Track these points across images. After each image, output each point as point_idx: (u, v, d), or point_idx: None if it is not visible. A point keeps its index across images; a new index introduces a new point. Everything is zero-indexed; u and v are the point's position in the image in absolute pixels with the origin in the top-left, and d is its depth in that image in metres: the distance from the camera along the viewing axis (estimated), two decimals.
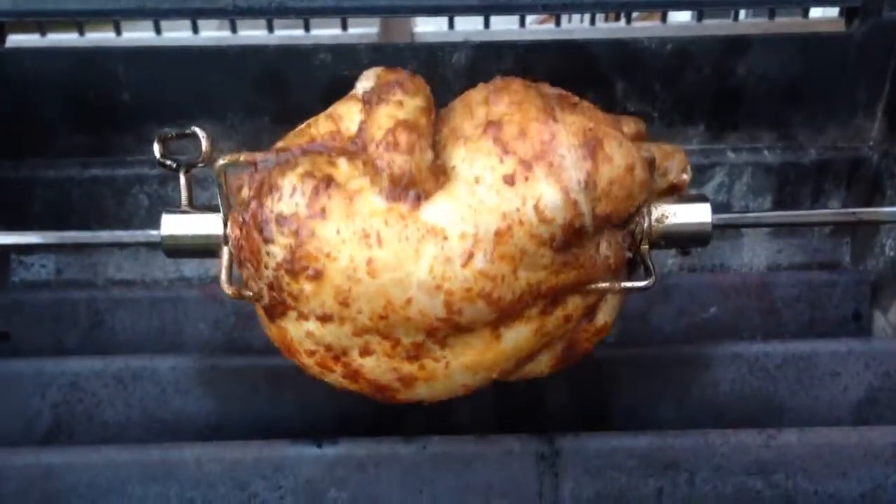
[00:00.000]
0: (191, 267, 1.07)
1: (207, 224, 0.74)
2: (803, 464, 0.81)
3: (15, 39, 1.01)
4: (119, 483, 0.80)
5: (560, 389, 0.90)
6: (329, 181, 0.68)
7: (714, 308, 1.02)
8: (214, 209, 0.74)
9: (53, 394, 0.90)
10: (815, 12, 1.31)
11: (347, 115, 0.71)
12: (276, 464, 0.81)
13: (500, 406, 0.90)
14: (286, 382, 0.89)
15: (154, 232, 0.76)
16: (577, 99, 0.73)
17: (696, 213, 0.75)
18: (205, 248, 0.75)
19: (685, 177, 0.75)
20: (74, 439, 0.90)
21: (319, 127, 0.72)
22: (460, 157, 0.68)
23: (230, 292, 0.71)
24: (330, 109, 0.73)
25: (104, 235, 0.85)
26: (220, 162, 0.70)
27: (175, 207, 0.76)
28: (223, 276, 0.72)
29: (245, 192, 0.71)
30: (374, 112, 0.68)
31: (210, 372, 0.90)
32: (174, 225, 0.75)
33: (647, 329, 1.01)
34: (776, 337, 1.01)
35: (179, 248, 0.76)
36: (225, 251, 0.72)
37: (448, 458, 0.81)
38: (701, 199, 0.76)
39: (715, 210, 0.76)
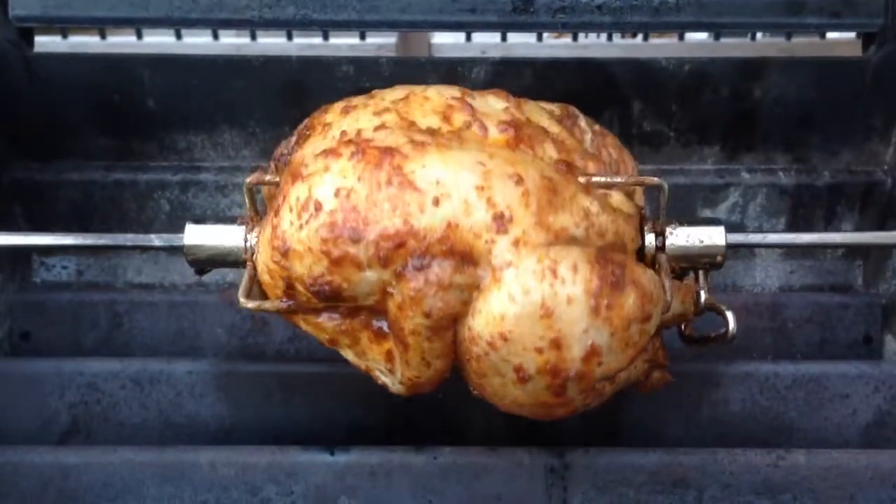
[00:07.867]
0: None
1: (230, 236, 0.75)
2: (811, 485, 0.81)
3: (39, 41, 1.03)
4: (135, 483, 0.82)
5: None
6: None
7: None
8: (236, 220, 0.76)
9: (72, 394, 0.91)
10: (833, 34, 1.32)
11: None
12: (289, 470, 0.82)
13: (512, 419, 0.91)
14: (299, 389, 0.91)
15: (170, 235, 0.78)
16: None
17: (710, 236, 0.76)
18: (226, 260, 0.76)
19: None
20: (91, 439, 0.91)
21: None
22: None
23: (250, 306, 0.72)
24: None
25: (127, 238, 0.86)
26: (248, 179, 0.72)
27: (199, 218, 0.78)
28: (242, 290, 0.73)
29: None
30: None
31: (225, 377, 0.92)
32: (197, 235, 0.76)
33: None
34: (787, 358, 1.01)
35: (201, 258, 0.77)
36: (248, 266, 0.74)
37: (458, 469, 0.82)
38: (715, 222, 0.77)
39: (728, 230, 0.77)
